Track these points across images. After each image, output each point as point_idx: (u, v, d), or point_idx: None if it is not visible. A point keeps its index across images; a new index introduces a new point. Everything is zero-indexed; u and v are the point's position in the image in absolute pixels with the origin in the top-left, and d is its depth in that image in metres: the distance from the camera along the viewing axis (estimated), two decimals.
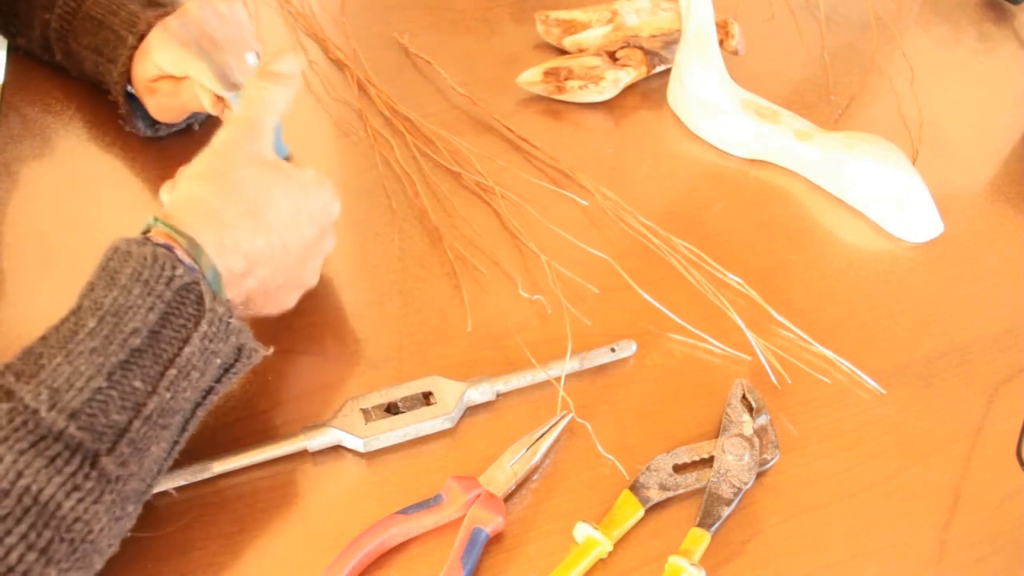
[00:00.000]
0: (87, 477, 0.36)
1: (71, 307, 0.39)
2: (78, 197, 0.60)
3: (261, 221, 0.45)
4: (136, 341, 0.38)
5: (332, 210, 0.50)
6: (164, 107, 0.60)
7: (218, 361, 0.42)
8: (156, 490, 0.45)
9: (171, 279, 0.39)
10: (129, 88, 0.60)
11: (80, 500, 0.36)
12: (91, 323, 0.38)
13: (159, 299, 0.39)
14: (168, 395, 0.39)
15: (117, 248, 0.40)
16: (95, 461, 0.37)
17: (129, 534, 0.41)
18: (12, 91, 0.67)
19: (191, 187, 0.44)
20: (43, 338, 0.39)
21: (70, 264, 0.55)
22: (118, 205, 0.60)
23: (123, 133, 0.63)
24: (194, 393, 0.41)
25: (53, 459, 0.36)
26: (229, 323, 0.41)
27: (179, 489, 0.46)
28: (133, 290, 0.39)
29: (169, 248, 0.40)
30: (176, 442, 0.42)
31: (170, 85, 0.58)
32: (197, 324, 0.40)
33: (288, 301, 0.50)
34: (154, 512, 0.45)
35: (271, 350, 0.45)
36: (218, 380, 0.43)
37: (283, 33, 0.76)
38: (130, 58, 0.58)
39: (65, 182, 0.61)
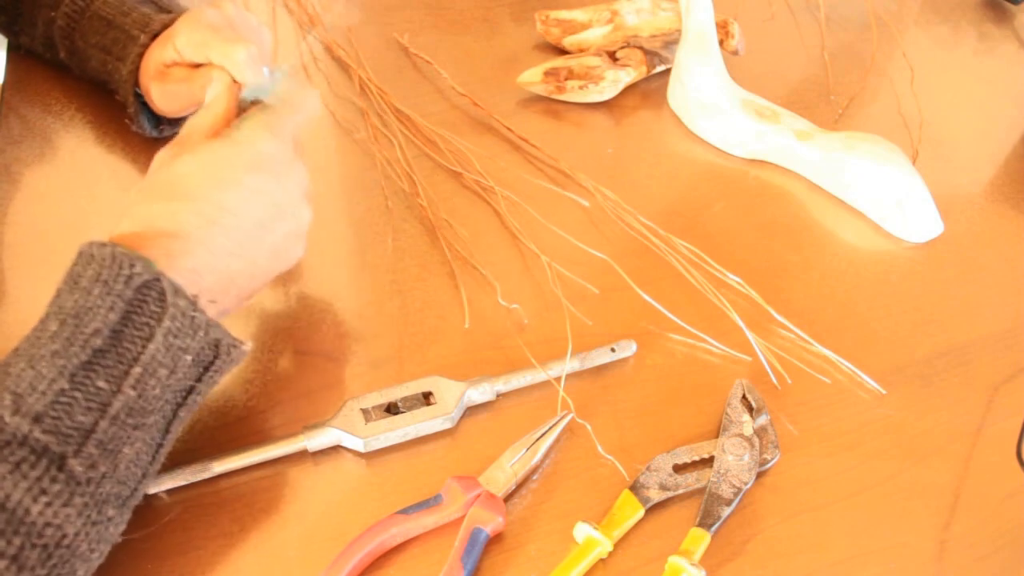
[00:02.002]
0: (54, 480, 0.36)
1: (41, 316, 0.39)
2: (78, 198, 0.60)
3: (182, 204, 0.43)
4: (97, 341, 0.38)
5: (264, 155, 0.46)
6: (173, 94, 0.59)
7: (188, 358, 0.41)
8: (156, 490, 0.45)
9: (130, 277, 0.39)
10: (137, 89, 0.60)
11: (48, 504, 0.36)
12: (53, 327, 0.38)
13: (119, 298, 0.38)
14: (134, 393, 0.38)
15: (81, 252, 0.40)
16: (62, 464, 0.36)
17: (122, 538, 0.40)
18: (12, 92, 0.67)
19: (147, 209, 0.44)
20: (15, 349, 0.38)
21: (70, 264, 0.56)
22: (118, 205, 0.60)
23: (124, 134, 0.63)
24: (168, 392, 0.40)
25: (18, 464, 0.35)
26: (194, 317, 0.40)
27: (179, 489, 0.46)
28: (93, 291, 0.39)
29: (129, 247, 0.40)
30: (160, 444, 0.41)
31: (184, 72, 0.58)
32: (160, 320, 0.39)
33: (263, 274, 0.47)
34: (154, 512, 0.45)
35: (250, 344, 0.44)
36: (198, 379, 0.42)
37: (283, 33, 0.76)
38: (140, 56, 0.58)
39: (65, 183, 0.61)
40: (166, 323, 0.39)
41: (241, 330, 0.53)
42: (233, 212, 0.44)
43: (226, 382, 0.51)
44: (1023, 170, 0.72)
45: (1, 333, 0.52)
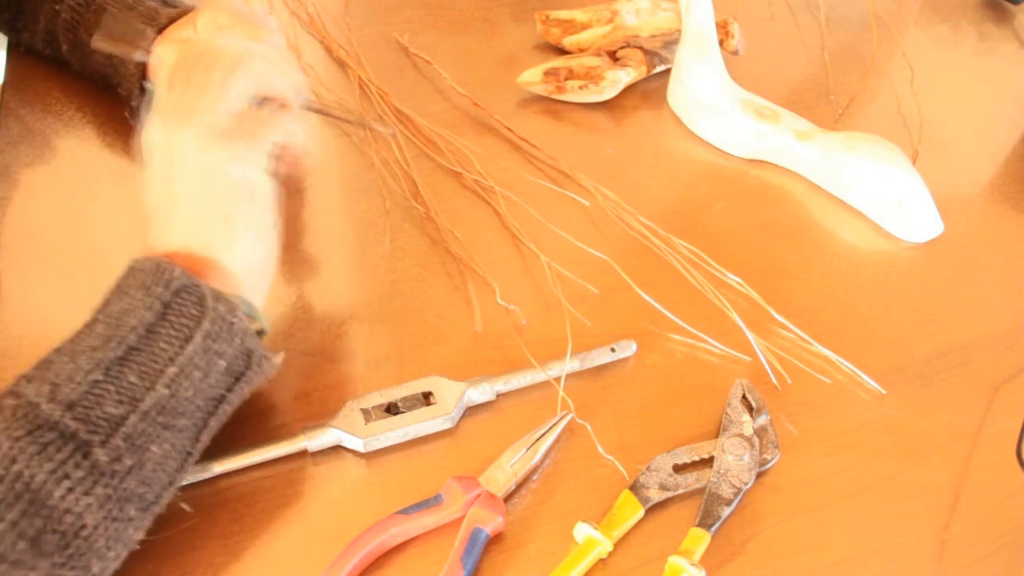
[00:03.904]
0: (78, 466, 0.36)
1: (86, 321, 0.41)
2: (78, 198, 0.60)
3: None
4: (132, 338, 0.39)
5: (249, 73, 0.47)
6: None
7: (223, 364, 0.42)
8: None
9: (169, 281, 0.40)
10: (145, 83, 0.60)
11: (70, 489, 0.36)
12: (97, 327, 0.40)
13: (157, 299, 0.40)
14: (167, 392, 0.39)
15: (131, 267, 0.42)
16: (88, 452, 0.37)
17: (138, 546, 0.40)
18: (12, 92, 0.67)
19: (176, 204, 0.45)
20: (57, 348, 0.40)
21: (70, 264, 0.56)
22: (118, 205, 0.60)
23: (124, 133, 0.63)
24: (199, 397, 0.41)
25: (45, 446, 0.36)
26: (232, 323, 0.42)
27: (180, 489, 0.46)
28: (136, 295, 0.40)
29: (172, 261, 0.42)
30: (188, 453, 0.42)
31: None
32: (199, 323, 0.41)
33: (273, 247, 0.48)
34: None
35: (282, 356, 0.45)
36: (229, 389, 0.43)
37: (283, 33, 0.76)
38: (147, 51, 0.58)
39: (65, 183, 0.61)
40: (205, 325, 0.41)
41: None
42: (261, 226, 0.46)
43: None
44: (1023, 170, 0.72)
45: (1, 333, 0.52)
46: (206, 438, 0.43)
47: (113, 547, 0.39)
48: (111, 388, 0.38)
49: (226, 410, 0.43)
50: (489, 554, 0.45)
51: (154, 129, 0.46)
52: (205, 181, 0.45)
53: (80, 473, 0.37)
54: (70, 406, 0.37)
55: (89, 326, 0.40)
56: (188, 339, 0.40)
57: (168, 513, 0.45)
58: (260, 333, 0.45)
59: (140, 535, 0.40)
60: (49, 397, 0.37)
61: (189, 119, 0.45)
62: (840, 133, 0.67)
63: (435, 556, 0.45)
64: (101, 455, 0.37)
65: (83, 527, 0.37)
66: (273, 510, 0.46)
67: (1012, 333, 0.59)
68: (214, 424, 0.43)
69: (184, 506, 0.45)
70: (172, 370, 0.40)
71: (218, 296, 0.41)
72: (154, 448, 0.39)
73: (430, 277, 0.58)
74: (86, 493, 0.37)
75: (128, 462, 0.38)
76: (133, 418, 0.38)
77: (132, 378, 0.39)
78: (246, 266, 0.45)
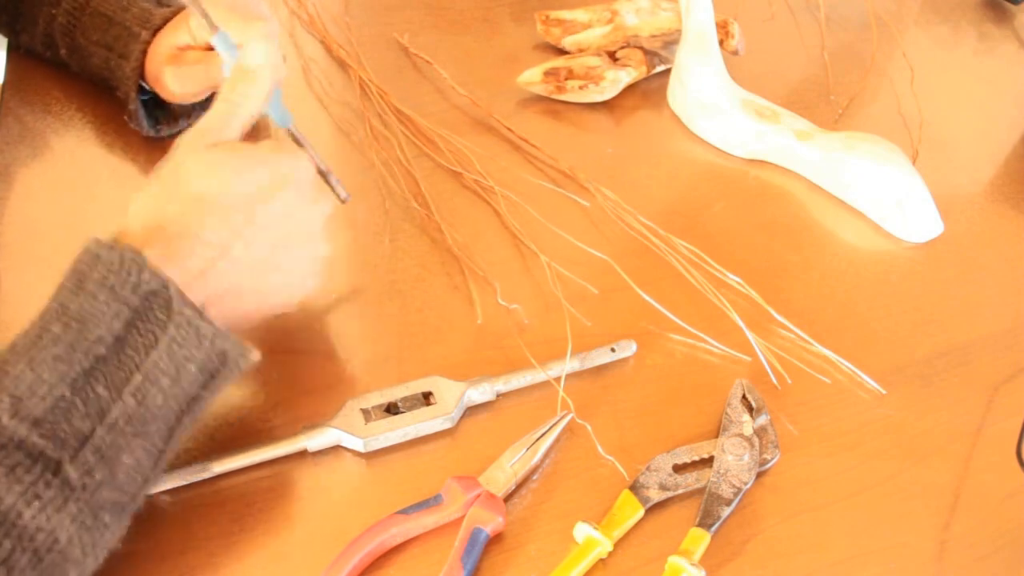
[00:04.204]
0: (48, 485, 0.35)
1: (40, 309, 0.39)
2: (78, 197, 0.60)
3: (211, 207, 0.42)
4: (101, 349, 0.37)
5: (298, 177, 0.46)
6: (188, 76, 0.58)
7: (193, 368, 0.40)
8: (156, 490, 0.45)
9: (137, 285, 0.38)
10: (142, 83, 0.60)
11: (41, 509, 0.35)
12: (56, 328, 0.38)
13: (125, 305, 0.38)
14: (133, 402, 0.38)
15: (87, 250, 0.39)
16: (57, 469, 0.36)
17: (124, 547, 0.40)
18: (12, 92, 0.67)
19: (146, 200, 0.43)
20: (11, 345, 0.38)
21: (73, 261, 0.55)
22: (118, 205, 0.60)
23: (124, 133, 0.63)
24: (171, 401, 0.40)
25: (13, 468, 0.35)
26: (199, 327, 0.40)
27: (180, 489, 0.46)
28: (99, 296, 0.38)
29: (138, 252, 0.39)
30: (161, 451, 0.41)
31: (198, 54, 0.58)
32: (165, 329, 0.39)
33: (273, 299, 0.47)
34: (154, 512, 0.45)
35: (258, 354, 0.43)
36: (203, 387, 0.41)
37: (284, 32, 0.76)
38: (143, 53, 0.58)
39: (65, 183, 0.61)
40: (171, 331, 0.39)
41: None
42: (261, 226, 0.44)
43: None
44: (1023, 170, 0.72)
45: (1, 333, 0.52)
46: (180, 434, 0.42)
47: (90, 553, 0.38)
48: (78, 402, 0.37)
49: (201, 407, 0.42)
50: (489, 554, 0.45)
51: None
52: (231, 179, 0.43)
53: (51, 492, 0.35)
54: (36, 423, 0.36)
55: (45, 322, 0.38)
56: (152, 345, 0.38)
57: (168, 512, 0.45)
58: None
59: (119, 535, 0.40)
60: (11, 412, 0.35)
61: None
62: (840, 133, 0.67)
63: (435, 556, 0.45)
64: (71, 471, 0.36)
65: (56, 542, 0.36)
66: (273, 510, 0.46)
67: (1012, 333, 0.59)
68: (187, 421, 0.41)
69: (162, 495, 0.44)
70: (138, 378, 0.38)
71: (184, 299, 0.39)
72: (125, 458, 0.38)
73: (430, 277, 0.58)
74: (58, 511, 0.36)
75: (99, 476, 0.37)
76: (100, 431, 0.37)
77: (99, 389, 0.37)
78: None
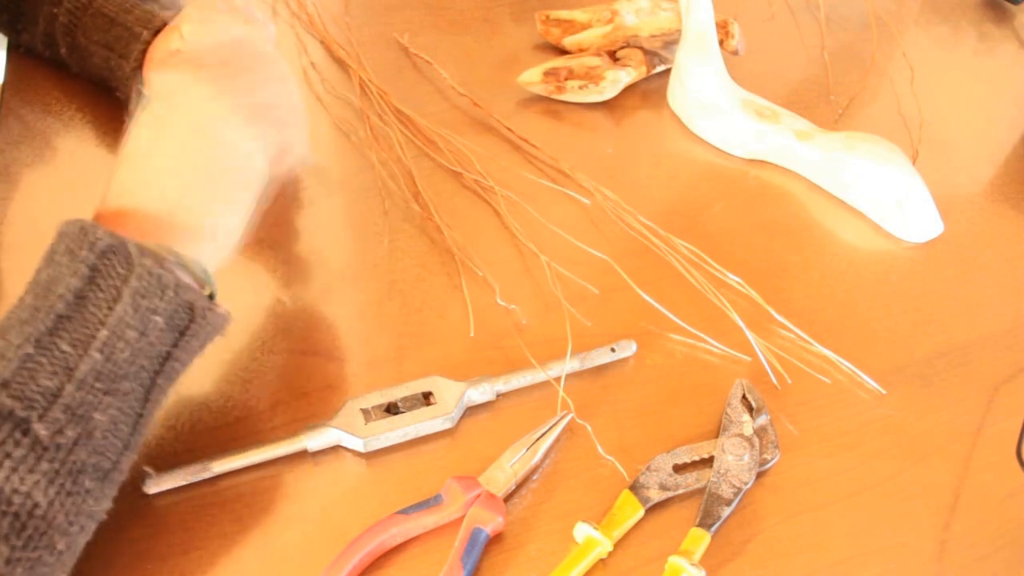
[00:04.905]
0: (17, 444, 0.36)
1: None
2: (78, 198, 0.60)
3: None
4: (60, 306, 0.38)
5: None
6: None
7: (159, 320, 0.40)
8: (156, 490, 0.45)
9: (94, 243, 0.39)
10: (141, 87, 0.60)
11: (13, 469, 0.35)
12: (27, 299, 0.39)
13: (83, 263, 0.39)
14: (100, 357, 0.38)
15: (58, 232, 0.41)
16: (27, 429, 0.36)
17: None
18: (12, 92, 0.67)
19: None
20: None
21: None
22: None
23: (123, 134, 0.63)
24: (141, 357, 0.40)
25: None
26: (160, 275, 0.40)
27: (179, 489, 0.46)
28: (62, 261, 0.39)
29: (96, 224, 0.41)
30: (140, 415, 0.41)
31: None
32: (127, 281, 0.39)
33: (282, 134, 0.49)
34: (154, 512, 0.45)
35: (227, 309, 0.43)
36: (175, 344, 0.41)
37: (283, 34, 0.76)
38: (143, 54, 0.58)
39: (65, 183, 0.61)
40: (132, 283, 0.39)
41: (242, 329, 0.53)
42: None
43: (226, 382, 0.51)
44: (1023, 170, 0.72)
45: None
46: (157, 397, 0.41)
47: (75, 521, 0.38)
48: (43, 360, 0.37)
49: (176, 368, 0.42)
50: (489, 554, 0.45)
51: (170, 75, 0.46)
52: (197, 138, 0.45)
53: (21, 451, 0.36)
54: (4, 384, 0.36)
55: (20, 299, 0.39)
56: (116, 299, 0.39)
57: (168, 512, 0.45)
58: (210, 297, 0.44)
59: (105, 505, 0.40)
60: None
61: (211, 83, 0.46)
62: (840, 133, 0.67)
63: (435, 556, 0.45)
64: (41, 430, 0.36)
65: (36, 506, 0.36)
66: (273, 510, 0.46)
67: (1012, 333, 0.59)
68: (163, 382, 0.41)
69: (162, 495, 0.45)
70: (103, 333, 0.38)
71: (144, 251, 0.40)
72: (98, 416, 0.38)
73: (430, 277, 0.58)
74: (30, 471, 0.36)
75: (71, 433, 0.37)
76: (69, 387, 0.37)
77: (64, 347, 0.38)
78: (212, 231, 0.44)
